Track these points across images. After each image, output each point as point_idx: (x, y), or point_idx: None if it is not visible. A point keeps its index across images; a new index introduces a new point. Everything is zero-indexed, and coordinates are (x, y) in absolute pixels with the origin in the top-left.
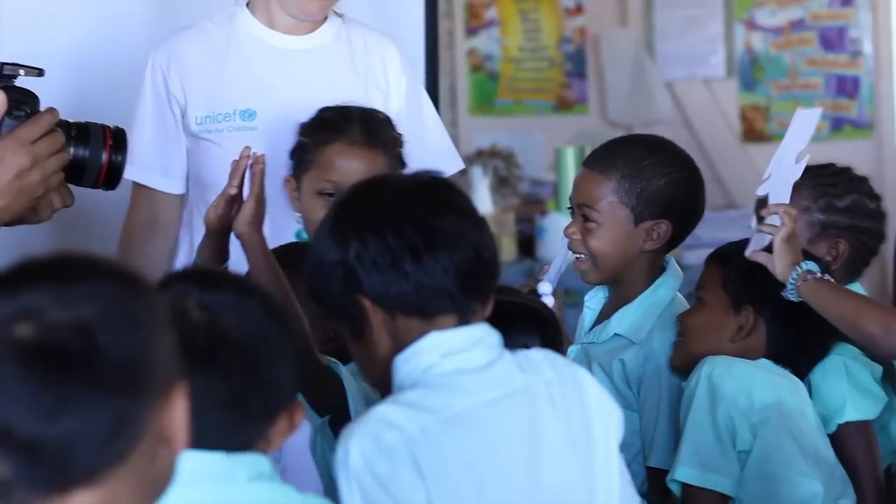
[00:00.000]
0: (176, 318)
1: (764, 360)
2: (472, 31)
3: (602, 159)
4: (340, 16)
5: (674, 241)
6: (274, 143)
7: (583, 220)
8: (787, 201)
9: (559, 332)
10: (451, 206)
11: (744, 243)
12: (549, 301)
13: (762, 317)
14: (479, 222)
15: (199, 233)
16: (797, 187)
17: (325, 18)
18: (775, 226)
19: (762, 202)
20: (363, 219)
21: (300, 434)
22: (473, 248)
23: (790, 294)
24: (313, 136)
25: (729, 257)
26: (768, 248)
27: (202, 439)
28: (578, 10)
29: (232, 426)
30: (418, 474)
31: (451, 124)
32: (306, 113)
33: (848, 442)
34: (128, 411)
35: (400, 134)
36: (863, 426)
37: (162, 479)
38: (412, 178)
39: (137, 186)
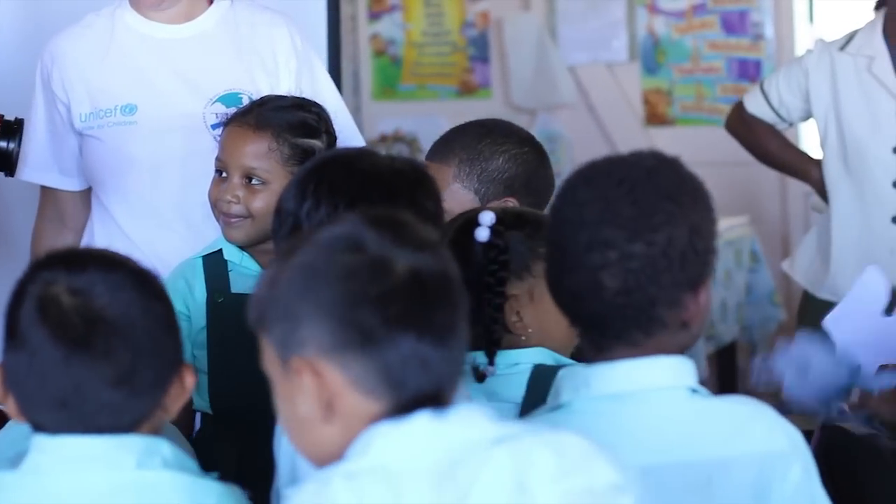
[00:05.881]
0: (47, 307)
1: None
2: (374, 16)
3: (440, 149)
4: None
5: None
6: (155, 135)
7: None
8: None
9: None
10: (411, 197)
11: None
12: None
13: None
14: (432, 220)
15: (98, 226)
16: None
17: (211, 2)
18: None
19: None
20: (326, 184)
21: None
22: None
23: None
24: None
25: None
26: None
27: (95, 421)
28: None
29: (123, 404)
30: None
31: (354, 110)
32: (188, 104)
33: None
34: None
35: (317, 121)
36: None
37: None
38: (391, 162)
39: (43, 186)
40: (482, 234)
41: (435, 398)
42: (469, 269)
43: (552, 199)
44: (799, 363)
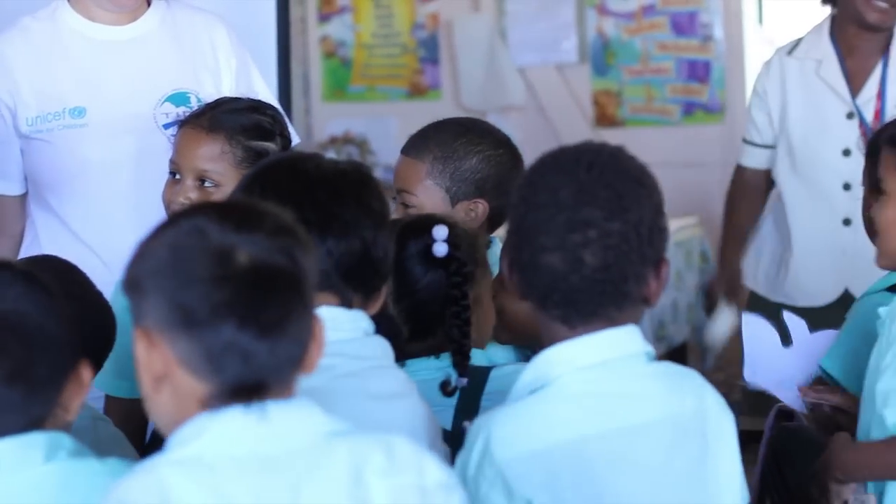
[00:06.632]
0: None
1: None
2: (324, 18)
3: (416, 144)
4: None
5: (495, 219)
6: (108, 137)
7: (403, 207)
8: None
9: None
10: (357, 197)
11: None
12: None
13: None
14: (379, 220)
15: (43, 230)
16: None
17: (149, 4)
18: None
19: None
20: (272, 187)
21: None
22: (363, 242)
23: None
24: None
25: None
26: None
27: None
28: None
29: (21, 402)
30: None
31: (304, 111)
32: (138, 105)
33: None
34: None
35: (272, 123)
36: None
37: None
38: (335, 164)
39: None
40: (440, 249)
41: (258, 389)
42: (410, 281)
43: (519, 188)
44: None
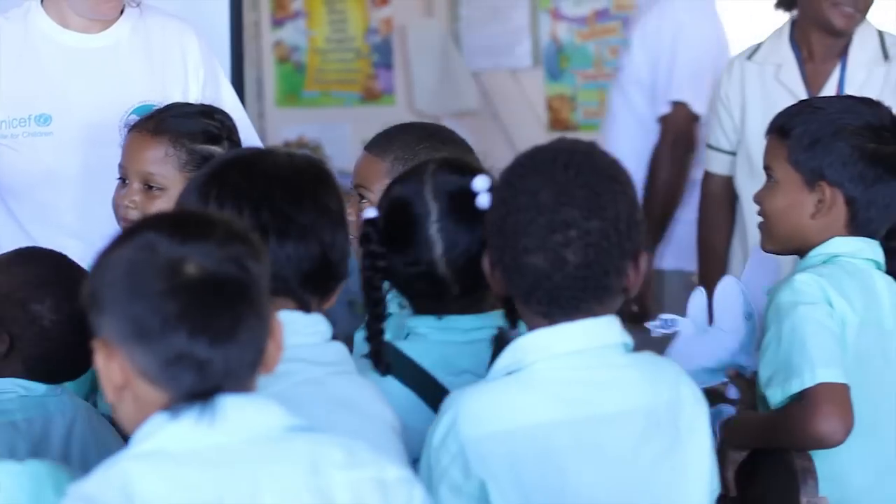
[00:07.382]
0: None
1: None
2: (278, 23)
3: (380, 142)
4: (137, 5)
5: None
6: (71, 148)
7: (359, 201)
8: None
9: None
10: (316, 199)
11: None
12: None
13: (839, 188)
14: (337, 220)
15: (2, 229)
16: None
17: (122, 12)
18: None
19: None
20: (229, 186)
21: None
22: (322, 245)
23: None
24: None
25: (789, 130)
26: None
27: None
28: (384, 0)
29: None
30: None
31: (257, 116)
32: (103, 116)
33: None
34: None
35: (219, 128)
36: None
37: None
38: (292, 161)
39: None
40: (485, 201)
41: (214, 395)
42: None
43: (497, 190)
44: (700, 324)
